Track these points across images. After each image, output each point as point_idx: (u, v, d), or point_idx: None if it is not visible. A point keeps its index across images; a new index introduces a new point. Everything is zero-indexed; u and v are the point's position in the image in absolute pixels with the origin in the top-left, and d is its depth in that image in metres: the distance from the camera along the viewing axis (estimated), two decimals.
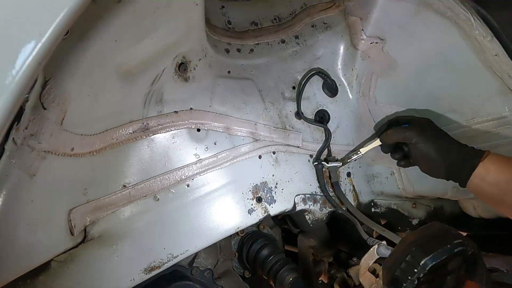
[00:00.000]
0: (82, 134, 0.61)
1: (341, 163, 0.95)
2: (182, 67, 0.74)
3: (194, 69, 0.76)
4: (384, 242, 0.65)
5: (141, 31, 0.59)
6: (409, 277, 0.41)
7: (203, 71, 0.78)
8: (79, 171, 0.63)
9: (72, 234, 0.63)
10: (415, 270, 0.41)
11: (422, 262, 0.40)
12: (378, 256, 0.64)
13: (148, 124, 0.72)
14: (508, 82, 0.76)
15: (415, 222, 1.06)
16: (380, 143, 0.89)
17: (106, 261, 0.69)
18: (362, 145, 0.96)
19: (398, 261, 0.42)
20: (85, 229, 0.66)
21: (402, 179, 1.02)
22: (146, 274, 0.72)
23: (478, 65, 0.78)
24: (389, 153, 0.90)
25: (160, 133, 0.74)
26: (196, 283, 0.81)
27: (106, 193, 0.68)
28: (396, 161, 0.90)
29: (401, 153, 0.87)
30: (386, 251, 0.62)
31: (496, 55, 0.75)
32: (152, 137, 0.74)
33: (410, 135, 0.80)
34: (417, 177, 0.94)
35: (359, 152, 0.93)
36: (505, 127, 0.81)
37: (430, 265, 0.40)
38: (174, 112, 0.76)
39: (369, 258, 0.63)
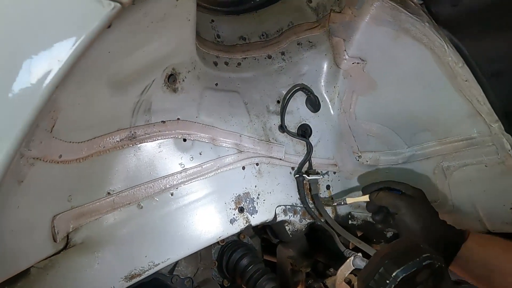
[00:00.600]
0: (70, 142, 0.61)
1: (321, 176, 0.98)
2: (171, 79, 0.76)
3: (183, 80, 0.78)
4: (359, 254, 0.69)
5: (134, 44, 0.60)
6: None
7: (192, 83, 0.80)
8: (65, 177, 0.63)
9: (54, 240, 0.63)
10: (387, 282, 0.44)
11: (394, 274, 0.43)
12: (354, 267, 0.67)
13: (135, 133, 0.73)
14: (477, 106, 0.81)
15: (389, 234, 1.11)
16: (367, 200, 0.89)
17: (87, 268, 0.69)
18: (351, 196, 0.99)
19: (372, 272, 0.45)
20: (67, 236, 0.66)
21: None
22: (127, 282, 0.72)
23: (450, 89, 0.83)
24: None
25: (147, 142, 0.76)
26: None
27: (90, 200, 0.69)
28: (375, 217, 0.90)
29: (382, 216, 0.87)
30: (361, 263, 0.66)
31: (466, 80, 0.80)
32: (138, 145, 0.75)
33: (400, 205, 0.79)
34: None
35: (344, 200, 0.96)
36: (473, 147, 0.86)
37: (401, 277, 0.43)
38: (162, 122, 0.77)
39: (345, 269, 0.66)
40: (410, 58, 0.86)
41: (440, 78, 0.83)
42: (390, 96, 0.95)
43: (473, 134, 0.85)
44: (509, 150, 0.80)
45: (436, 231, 0.77)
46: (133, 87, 0.68)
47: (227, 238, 1.02)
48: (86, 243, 0.69)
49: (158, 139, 0.77)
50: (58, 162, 0.59)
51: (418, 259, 0.44)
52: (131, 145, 0.73)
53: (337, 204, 0.98)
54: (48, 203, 0.62)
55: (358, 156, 1.05)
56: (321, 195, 1.01)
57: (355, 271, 0.67)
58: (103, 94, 0.62)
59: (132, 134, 0.73)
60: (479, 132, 0.84)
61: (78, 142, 0.63)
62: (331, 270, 0.84)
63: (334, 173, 1.05)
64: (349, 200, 0.96)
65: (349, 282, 0.66)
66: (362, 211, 1.08)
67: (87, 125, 0.64)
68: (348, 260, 0.67)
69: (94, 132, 0.66)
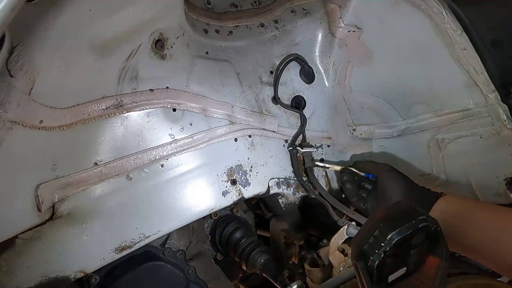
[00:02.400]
0: (52, 107, 0.58)
1: (315, 149, 0.97)
2: (159, 44, 0.72)
3: (172, 47, 0.75)
4: (353, 223, 0.68)
5: (117, 2, 0.57)
6: (376, 251, 0.43)
7: (181, 50, 0.77)
8: (48, 145, 0.60)
9: (39, 210, 0.61)
10: (382, 244, 0.43)
11: (389, 237, 0.42)
12: (347, 236, 0.66)
13: (122, 101, 0.70)
14: (474, 75, 0.80)
15: None
16: (353, 169, 0.89)
17: (75, 239, 0.67)
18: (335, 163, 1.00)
19: (367, 236, 0.44)
20: (53, 206, 0.64)
21: None
22: (117, 253, 0.71)
23: (448, 59, 0.81)
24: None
25: (135, 111, 0.73)
26: (168, 264, 0.81)
27: (76, 170, 0.66)
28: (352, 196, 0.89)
29: (353, 186, 0.88)
30: (355, 231, 0.65)
31: (464, 49, 0.78)
32: (126, 114, 0.72)
33: (381, 168, 0.82)
34: None
35: (327, 165, 0.98)
36: (469, 119, 0.85)
37: (396, 239, 0.42)
38: (150, 90, 0.74)
39: (338, 238, 0.65)
40: (408, 26, 0.84)
41: (438, 47, 0.81)
42: (386, 67, 0.93)
43: (469, 105, 0.84)
44: (505, 121, 0.79)
45: (413, 191, 0.77)
46: (118, 52, 0.65)
47: (220, 211, 1.01)
48: (74, 214, 0.67)
49: (146, 108, 0.74)
50: (39, 128, 0.56)
51: (413, 221, 0.43)
52: (117, 114, 0.70)
53: (322, 166, 0.98)
54: (30, 171, 0.59)
55: (353, 129, 1.04)
56: (315, 169, 1.00)
57: (349, 241, 0.67)
58: (85, 58, 0.59)
59: (119, 102, 0.70)
60: (475, 103, 0.83)
61: (61, 108, 0.60)
62: (324, 241, 0.84)
63: (328, 146, 1.03)
64: (332, 166, 0.96)
65: (342, 251, 0.65)
66: None
67: (70, 90, 0.61)
68: (341, 229, 0.66)
69: (77, 99, 0.63)
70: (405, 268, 0.48)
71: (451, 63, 0.81)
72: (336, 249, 0.64)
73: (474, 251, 0.61)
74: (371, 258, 0.43)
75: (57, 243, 0.65)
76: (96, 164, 0.69)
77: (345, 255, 0.64)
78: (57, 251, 0.65)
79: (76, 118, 0.63)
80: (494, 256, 0.57)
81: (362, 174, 0.87)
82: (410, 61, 0.88)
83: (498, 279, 0.71)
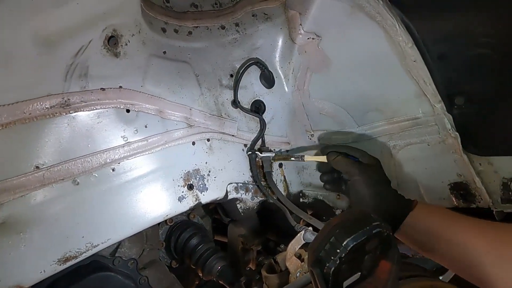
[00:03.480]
0: None
1: (273, 154, 0.97)
2: (112, 41, 0.68)
3: (126, 44, 0.71)
4: (310, 228, 0.68)
5: None
6: (332, 257, 0.43)
7: (136, 48, 0.73)
8: None
9: None
10: (338, 251, 0.43)
11: (344, 243, 0.43)
12: (304, 242, 0.67)
13: (69, 99, 0.65)
14: (423, 86, 0.84)
15: (338, 212, 1.14)
16: (325, 161, 0.90)
17: (11, 251, 0.61)
18: (309, 154, 0.99)
19: (323, 242, 0.44)
20: None
21: None
22: (60, 265, 0.66)
23: (400, 69, 0.85)
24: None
25: (84, 111, 0.68)
26: (118, 274, 0.76)
27: (14, 174, 0.60)
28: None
29: (331, 178, 0.90)
30: (311, 237, 0.65)
31: (415, 61, 0.82)
32: (73, 114, 0.67)
33: (353, 171, 0.82)
34: None
35: (302, 157, 0.96)
36: (418, 127, 0.89)
37: (351, 245, 0.43)
38: (101, 89, 0.69)
39: (295, 244, 0.65)
40: (364, 36, 0.86)
41: (391, 58, 0.84)
42: (343, 74, 0.95)
43: (418, 114, 0.88)
44: (449, 130, 0.83)
45: (385, 199, 0.80)
46: (65, 47, 0.60)
47: (176, 217, 0.98)
48: (10, 223, 0.61)
49: (97, 109, 0.69)
50: None
51: (368, 227, 0.44)
52: (64, 114, 0.65)
53: (295, 160, 0.96)
54: None
55: (311, 135, 1.05)
56: (273, 174, 1.00)
57: (306, 246, 0.67)
58: (27, 50, 0.54)
59: (66, 101, 0.64)
60: (423, 112, 0.87)
61: None
62: (282, 246, 0.84)
63: (287, 151, 1.04)
64: (307, 158, 0.95)
65: (299, 257, 0.65)
66: (313, 189, 1.09)
67: (8, 85, 0.55)
68: (298, 235, 0.66)
69: (17, 95, 0.57)
70: (360, 273, 0.49)
71: (403, 74, 0.85)
72: (293, 254, 0.64)
73: (442, 261, 0.67)
74: (327, 265, 0.43)
75: None
76: (37, 167, 0.63)
77: (302, 260, 0.64)
78: None
79: (14, 117, 0.58)
80: (459, 270, 0.62)
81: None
82: (365, 70, 0.91)
83: (440, 277, 0.76)
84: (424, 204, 0.79)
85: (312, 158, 0.94)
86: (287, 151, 1.03)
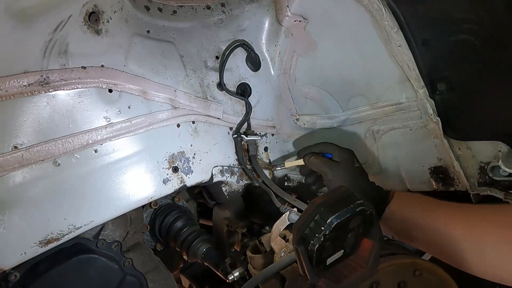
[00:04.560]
0: None
1: (260, 137, 0.97)
2: (93, 17, 0.66)
3: (108, 21, 0.69)
4: (295, 209, 0.69)
5: None
6: (317, 235, 0.44)
7: (118, 26, 0.71)
8: None
9: None
10: (322, 228, 0.44)
11: (329, 221, 0.44)
12: (289, 223, 0.68)
13: (48, 77, 0.62)
14: (407, 71, 0.85)
15: None
16: (303, 163, 0.92)
17: None
18: (288, 160, 1.02)
19: (308, 220, 0.45)
20: None
21: None
22: (42, 247, 0.64)
23: (385, 54, 0.85)
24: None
25: (64, 89, 0.65)
26: (102, 256, 0.75)
27: None
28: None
29: (314, 179, 0.92)
30: (296, 217, 0.66)
31: (399, 46, 0.82)
32: (53, 93, 0.64)
33: (325, 171, 0.84)
34: None
35: (282, 165, 0.98)
36: (401, 112, 0.91)
37: (336, 223, 0.44)
38: (82, 67, 0.67)
39: (280, 224, 0.66)
40: (349, 19, 0.86)
41: (376, 42, 0.85)
42: (328, 59, 0.95)
43: (401, 99, 0.89)
44: (431, 115, 0.85)
45: (360, 193, 0.81)
46: (43, 21, 0.58)
47: (160, 200, 0.97)
48: None
49: (77, 88, 0.67)
50: None
51: (352, 205, 0.45)
52: (43, 92, 0.63)
53: (275, 169, 0.99)
54: None
55: (296, 119, 1.06)
56: (259, 157, 1.00)
57: (290, 227, 0.68)
58: (2, 24, 0.51)
59: (44, 79, 0.62)
60: (407, 98, 0.88)
61: None
62: (267, 228, 0.85)
63: (272, 135, 1.04)
64: (287, 164, 0.97)
65: (284, 237, 0.66)
66: (298, 173, 1.10)
67: None
68: (283, 215, 0.67)
69: None
70: (342, 251, 0.50)
71: (388, 59, 0.85)
72: (278, 235, 0.65)
73: (422, 247, 0.70)
74: (312, 242, 0.44)
75: None
76: (15, 147, 0.61)
77: (287, 240, 0.65)
78: None
79: None
80: (439, 255, 0.64)
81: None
82: (350, 54, 0.91)
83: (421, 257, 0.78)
84: (401, 193, 0.81)
85: (291, 164, 0.96)
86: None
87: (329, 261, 0.49)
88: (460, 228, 0.63)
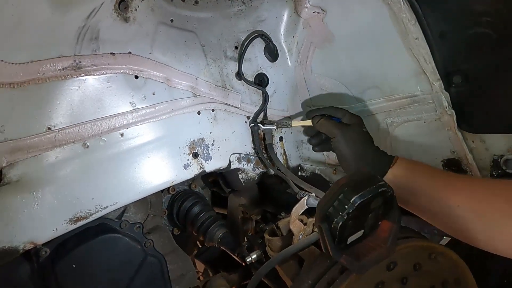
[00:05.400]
0: (1, 60, 0.53)
1: (276, 127, 0.99)
2: (122, 5, 0.68)
3: (136, 9, 0.71)
4: (313, 194, 0.72)
5: None
6: (340, 213, 0.46)
7: (145, 14, 0.73)
8: None
9: None
10: (346, 207, 0.46)
11: (352, 200, 0.46)
12: (307, 207, 0.70)
13: (80, 62, 0.65)
14: (423, 64, 0.86)
15: None
16: (311, 125, 0.92)
17: (25, 208, 0.62)
18: (296, 119, 1.00)
19: (332, 199, 0.47)
20: (0, 171, 0.59)
21: None
22: (71, 224, 0.68)
23: (401, 47, 0.86)
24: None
25: (94, 74, 0.68)
26: (125, 236, 0.79)
27: (27, 134, 0.61)
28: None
29: (318, 140, 0.93)
30: (314, 202, 0.69)
31: (416, 38, 0.83)
32: (84, 77, 0.67)
33: (335, 132, 0.84)
34: None
35: (289, 124, 0.97)
36: (415, 104, 0.92)
37: (359, 202, 0.46)
38: (111, 53, 0.70)
39: (299, 208, 0.68)
40: (368, 11, 0.87)
41: (393, 35, 0.86)
42: (345, 51, 0.97)
43: (416, 92, 0.90)
44: (446, 107, 0.86)
45: (365, 157, 0.82)
46: (78, 8, 0.60)
47: (178, 186, 1.00)
48: (24, 181, 0.62)
49: (106, 73, 0.70)
50: None
51: (374, 186, 0.47)
52: (75, 76, 0.66)
53: (282, 126, 0.98)
54: None
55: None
56: (274, 147, 1.03)
57: (308, 212, 0.70)
58: (41, 9, 0.54)
59: (77, 64, 0.65)
60: (422, 90, 0.89)
61: (12, 63, 0.55)
62: (282, 214, 0.87)
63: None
64: (294, 123, 0.96)
65: (301, 221, 0.69)
66: (311, 163, 1.12)
67: (23, 44, 0.55)
68: (302, 200, 0.69)
69: (31, 54, 0.58)
70: (362, 231, 0.52)
71: (404, 52, 0.86)
72: (296, 218, 0.67)
73: (422, 215, 0.70)
74: (335, 220, 0.47)
75: (5, 212, 0.60)
76: (49, 129, 0.64)
77: (304, 224, 0.67)
78: (5, 221, 0.60)
79: (29, 77, 0.58)
80: (438, 223, 0.65)
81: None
82: (367, 47, 0.92)
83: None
84: (405, 160, 0.81)
85: (298, 123, 0.95)
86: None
87: (350, 240, 0.51)
88: (460, 198, 0.63)
